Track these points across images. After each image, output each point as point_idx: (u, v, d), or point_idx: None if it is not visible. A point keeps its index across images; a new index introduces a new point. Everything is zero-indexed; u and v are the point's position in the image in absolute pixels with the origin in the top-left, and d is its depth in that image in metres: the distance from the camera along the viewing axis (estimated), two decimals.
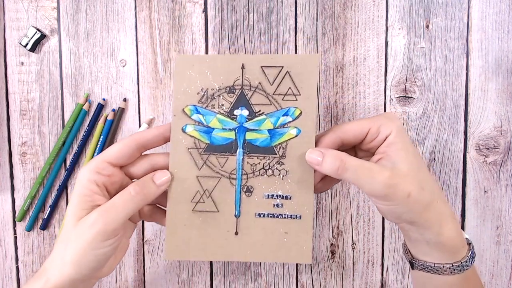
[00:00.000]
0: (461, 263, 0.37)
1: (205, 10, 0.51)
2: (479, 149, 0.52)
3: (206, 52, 0.52)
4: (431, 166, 0.52)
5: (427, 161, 0.52)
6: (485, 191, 0.52)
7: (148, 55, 0.51)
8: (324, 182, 0.42)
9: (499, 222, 0.52)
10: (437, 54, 0.51)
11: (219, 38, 0.51)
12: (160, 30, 0.51)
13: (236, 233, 0.38)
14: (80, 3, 0.51)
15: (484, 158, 0.52)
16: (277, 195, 0.38)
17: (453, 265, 0.37)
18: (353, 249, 0.53)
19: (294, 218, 0.38)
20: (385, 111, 0.52)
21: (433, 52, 0.51)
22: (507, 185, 0.52)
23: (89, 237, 0.34)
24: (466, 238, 0.39)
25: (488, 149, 0.52)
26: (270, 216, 0.38)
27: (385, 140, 0.36)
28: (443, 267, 0.37)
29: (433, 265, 0.37)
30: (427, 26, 0.51)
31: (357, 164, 0.35)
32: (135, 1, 0.51)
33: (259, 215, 0.38)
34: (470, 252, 0.37)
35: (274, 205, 0.38)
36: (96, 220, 0.34)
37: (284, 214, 0.38)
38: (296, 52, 0.51)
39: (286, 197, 0.38)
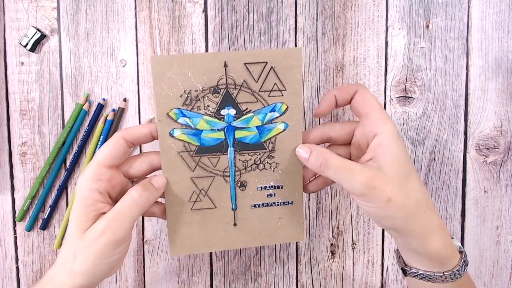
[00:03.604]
0: (453, 272, 0.36)
1: (205, 10, 0.51)
2: (479, 149, 0.52)
3: (207, 52, 0.52)
4: (431, 166, 0.52)
5: (427, 161, 0.52)
6: (485, 191, 0.52)
7: (148, 55, 0.51)
8: (317, 182, 0.42)
9: (499, 222, 0.52)
10: (437, 54, 0.51)
11: (219, 38, 0.51)
12: (160, 30, 0.51)
13: (235, 224, 0.40)
14: (80, 3, 0.51)
15: (484, 158, 0.52)
16: (269, 186, 0.40)
17: (444, 274, 0.36)
18: (353, 249, 0.53)
19: (286, 204, 0.40)
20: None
21: (433, 52, 0.51)
22: (507, 185, 0.52)
23: (100, 248, 0.34)
24: (459, 246, 0.38)
25: (488, 149, 0.52)
26: (265, 206, 0.40)
27: (373, 138, 0.36)
28: (435, 275, 0.37)
29: (424, 273, 0.37)
30: (427, 26, 0.51)
31: (338, 163, 0.35)
32: (135, 1, 0.51)
33: (255, 206, 0.40)
34: (462, 261, 0.37)
35: (267, 195, 0.40)
36: (104, 230, 0.34)
37: (277, 202, 0.40)
38: None
39: (278, 187, 0.40)
